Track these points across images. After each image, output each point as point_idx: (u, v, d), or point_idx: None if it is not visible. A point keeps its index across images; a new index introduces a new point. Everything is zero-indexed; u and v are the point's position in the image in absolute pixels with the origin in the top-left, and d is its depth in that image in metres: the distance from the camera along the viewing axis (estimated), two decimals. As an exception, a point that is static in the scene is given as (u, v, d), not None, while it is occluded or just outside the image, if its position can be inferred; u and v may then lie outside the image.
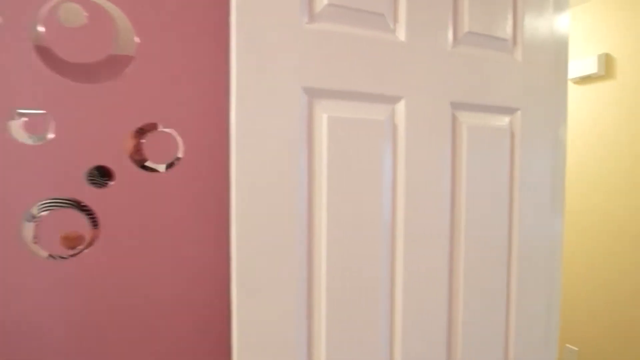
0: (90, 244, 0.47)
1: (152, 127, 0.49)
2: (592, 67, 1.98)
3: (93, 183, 0.47)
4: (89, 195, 0.47)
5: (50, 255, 0.45)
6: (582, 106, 2.07)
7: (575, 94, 2.11)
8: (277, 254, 0.53)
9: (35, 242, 0.45)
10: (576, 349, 2.07)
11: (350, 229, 0.58)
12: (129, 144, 0.49)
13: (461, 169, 0.67)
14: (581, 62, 2.03)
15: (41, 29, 0.44)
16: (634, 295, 1.82)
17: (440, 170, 0.64)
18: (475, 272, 0.70)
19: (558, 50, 0.80)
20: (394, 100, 0.61)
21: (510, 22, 0.72)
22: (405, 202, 0.62)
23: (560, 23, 0.79)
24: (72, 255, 0.47)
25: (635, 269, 1.81)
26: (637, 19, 1.83)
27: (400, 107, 0.61)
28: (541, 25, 0.76)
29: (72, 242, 0.47)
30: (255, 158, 0.51)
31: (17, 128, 0.43)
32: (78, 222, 0.47)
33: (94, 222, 0.47)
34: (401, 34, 0.61)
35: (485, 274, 0.71)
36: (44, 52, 0.44)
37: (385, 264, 0.61)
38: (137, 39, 0.48)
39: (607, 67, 1.96)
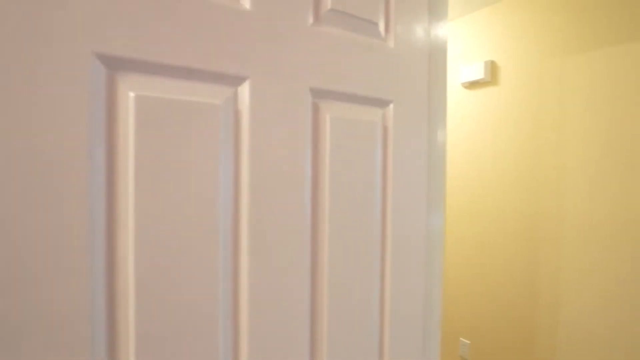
0: None
1: None
2: (479, 73, 2.12)
3: None
4: None
5: None
6: (472, 109, 2.20)
7: (466, 98, 2.23)
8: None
9: None
10: (468, 342, 2.19)
11: (171, 240, 0.45)
12: None
13: (324, 164, 0.58)
14: (470, 68, 2.16)
15: None
16: (519, 291, 1.97)
17: (298, 166, 0.54)
18: (343, 277, 0.61)
19: (435, 46, 0.76)
20: (236, 81, 0.49)
21: (382, 6, 0.65)
22: (250, 203, 0.50)
23: (438, 24, 0.75)
24: None
25: (519, 267, 1.97)
26: (517, 29, 1.99)
27: (245, 89, 0.50)
28: (415, 12, 0.70)
29: None
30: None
31: None
32: None
33: None
34: (245, 0, 0.50)
35: (355, 276, 0.63)
36: None
37: (223, 284, 0.49)
38: None
39: (492, 73, 2.11)
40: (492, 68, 2.10)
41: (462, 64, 2.24)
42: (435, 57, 0.77)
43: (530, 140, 1.92)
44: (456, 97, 2.29)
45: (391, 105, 0.67)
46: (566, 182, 1.79)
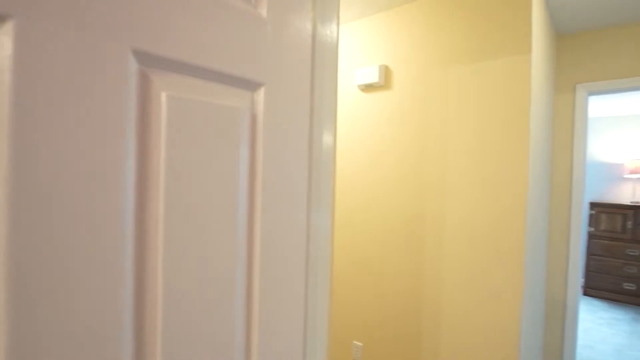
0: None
1: None
2: (374, 77, 2.13)
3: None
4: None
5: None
6: (368, 112, 2.21)
7: (362, 101, 2.24)
8: None
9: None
10: (361, 344, 2.20)
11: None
12: None
13: (159, 155, 0.41)
14: (366, 71, 2.17)
15: None
16: (408, 292, 2.03)
17: (109, 159, 0.37)
18: (187, 291, 0.45)
19: (322, 31, 0.65)
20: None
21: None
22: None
23: (324, 3, 0.64)
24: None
25: (408, 268, 2.02)
26: (409, 37, 2.05)
27: (4, 36, 0.31)
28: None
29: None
30: None
31: None
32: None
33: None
34: None
35: (211, 289, 0.47)
36: None
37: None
38: None
39: (386, 78, 2.14)
40: (386, 73, 2.14)
41: (359, 67, 2.25)
42: (322, 43, 0.66)
43: (418, 146, 1.99)
44: (353, 99, 2.28)
45: (262, 90, 0.53)
46: (448, 185, 1.88)
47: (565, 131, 2.47)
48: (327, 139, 0.71)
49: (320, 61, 0.66)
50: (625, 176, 4.74)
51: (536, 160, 1.88)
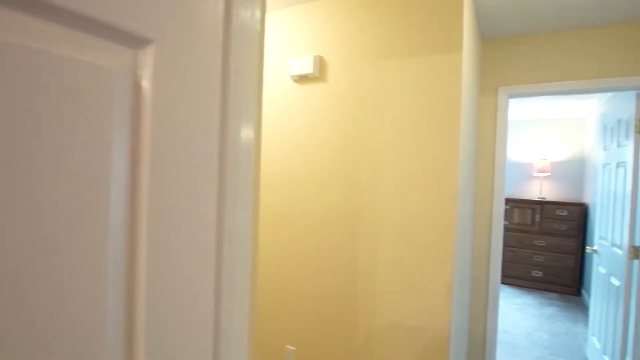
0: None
1: None
2: (308, 67, 2.03)
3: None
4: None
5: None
6: (302, 105, 2.11)
7: (296, 92, 2.13)
8: None
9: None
10: (294, 348, 2.10)
11: None
12: None
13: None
14: (300, 61, 2.06)
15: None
16: (335, 296, 1.97)
17: None
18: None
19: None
20: None
21: None
22: None
23: None
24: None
25: (341, 269, 1.96)
26: (343, 26, 1.98)
27: None
28: None
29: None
30: None
31: None
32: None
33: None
34: None
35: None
36: None
37: None
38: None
39: (321, 69, 2.05)
40: (321, 64, 2.05)
41: (292, 57, 2.13)
42: (240, 8, 0.53)
43: (352, 140, 1.93)
44: (287, 91, 2.16)
45: (151, 49, 0.40)
46: (382, 181, 1.85)
47: (488, 132, 2.59)
48: (246, 129, 0.59)
49: (238, 34, 0.53)
50: (534, 174, 5.24)
51: (465, 157, 1.92)
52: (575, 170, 5.06)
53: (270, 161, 2.21)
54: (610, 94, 3.79)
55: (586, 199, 4.74)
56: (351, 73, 1.95)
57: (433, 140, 1.73)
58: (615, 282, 2.43)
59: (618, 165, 2.51)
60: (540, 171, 5.07)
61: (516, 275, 4.98)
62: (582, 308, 4.20)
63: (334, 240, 1.99)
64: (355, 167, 1.93)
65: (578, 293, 4.61)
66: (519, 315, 3.95)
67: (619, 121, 2.53)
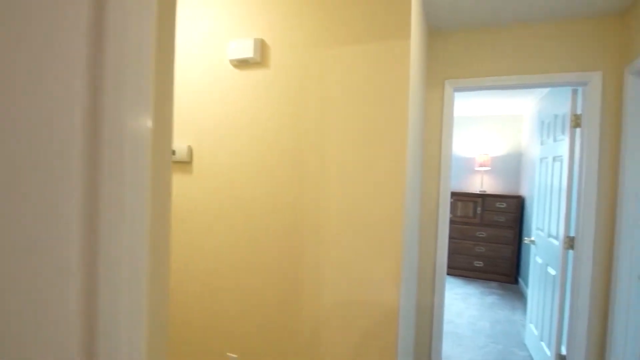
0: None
1: None
2: (248, 51, 1.85)
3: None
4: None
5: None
6: (242, 92, 1.93)
7: (235, 79, 1.94)
8: None
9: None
10: (235, 356, 1.93)
11: None
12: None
13: None
14: (240, 43, 1.87)
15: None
16: (280, 303, 1.83)
17: None
18: None
19: None
20: None
21: None
22: None
23: None
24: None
25: (284, 269, 1.83)
26: (287, 8, 1.83)
27: None
28: None
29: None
30: None
31: None
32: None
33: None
34: None
35: None
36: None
37: None
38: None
39: (262, 54, 1.88)
40: (263, 48, 1.88)
41: (232, 39, 1.94)
42: None
43: (297, 130, 1.79)
44: (225, 77, 1.96)
45: None
46: (328, 173, 1.73)
47: (435, 125, 2.57)
48: (134, 112, 0.42)
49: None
50: (476, 169, 5.45)
51: (413, 149, 1.86)
52: (513, 164, 5.33)
53: (207, 151, 2.00)
54: (546, 91, 3.99)
55: (522, 192, 5.00)
56: (295, 59, 1.80)
57: (382, 131, 1.64)
58: (552, 271, 2.52)
59: (554, 159, 2.60)
60: (481, 165, 5.27)
61: (459, 266, 5.15)
62: (519, 296, 4.42)
63: (280, 238, 1.85)
64: (300, 158, 1.79)
65: (515, 281, 4.87)
66: (462, 305, 4.07)
67: (556, 116, 2.62)
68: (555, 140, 2.62)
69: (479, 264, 5.03)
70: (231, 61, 1.92)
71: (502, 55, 2.37)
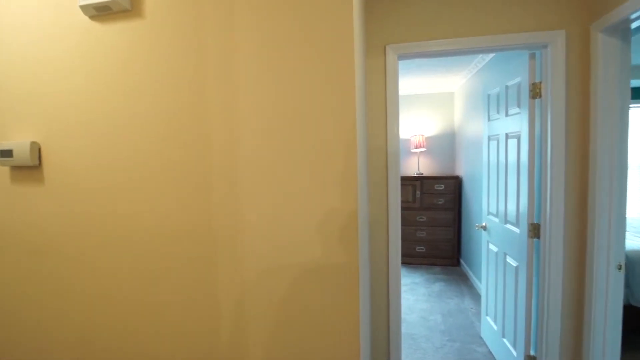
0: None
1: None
2: (107, -10, 1.20)
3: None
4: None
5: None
6: (105, 57, 1.27)
7: (94, 36, 1.27)
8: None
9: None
10: None
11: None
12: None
13: None
14: (91, -21, 1.21)
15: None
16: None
17: None
18: None
19: None
20: None
21: None
22: None
23: None
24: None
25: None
26: None
27: None
28: None
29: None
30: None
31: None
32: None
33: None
34: None
35: None
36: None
37: None
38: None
39: (132, -3, 1.24)
40: (132, -12, 1.23)
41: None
42: None
43: (192, 111, 1.20)
44: (77, 34, 1.28)
45: None
46: (244, 173, 1.18)
47: (378, 99, 2.12)
48: None
49: None
50: (412, 150, 5.23)
51: (361, 127, 1.37)
52: (448, 144, 5.19)
53: (64, 149, 1.32)
54: (483, 64, 3.78)
55: (459, 172, 4.87)
56: (185, 6, 1.19)
57: (320, 112, 1.11)
58: (513, 262, 2.25)
59: (508, 136, 2.31)
60: (417, 147, 5.05)
61: (402, 253, 4.92)
62: (464, 279, 4.29)
63: (181, 274, 1.25)
64: (200, 154, 1.20)
65: (458, 263, 4.76)
66: (410, 297, 3.80)
67: (507, 88, 2.32)
68: (507, 114, 2.33)
69: (421, 249, 4.84)
70: (83, 8, 1.24)
71: (449, 14, 1.97)
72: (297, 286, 1.17)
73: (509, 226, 2.32)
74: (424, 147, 5.05)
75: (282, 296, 1.19)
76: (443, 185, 4.71)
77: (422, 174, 5.06)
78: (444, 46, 1.96)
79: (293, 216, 1.15)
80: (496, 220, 2.53)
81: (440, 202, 4.75)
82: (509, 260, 2.31)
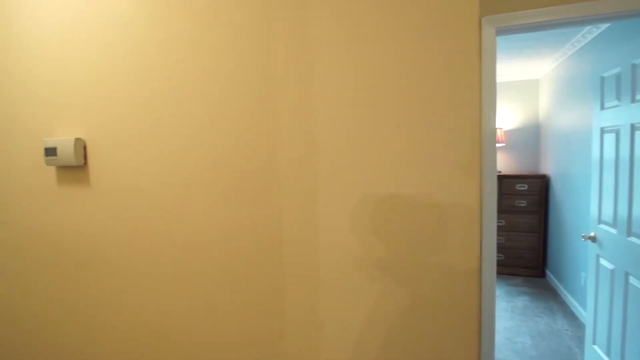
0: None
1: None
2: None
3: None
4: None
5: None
6: (162, 43, 1.10)
7: (144, 19, 1.11)
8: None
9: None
10: None
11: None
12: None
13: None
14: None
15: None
16: None
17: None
18: None
19: None
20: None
21: None
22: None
23: None
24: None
25: None
26: None
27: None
28: None
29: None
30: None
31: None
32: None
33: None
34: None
35: None
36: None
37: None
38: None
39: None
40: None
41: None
42: None
43: (261, 102, 0.99)
44: (122, 17, 1.13)
45: None
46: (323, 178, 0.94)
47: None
48: None
49: None
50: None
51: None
52: (531, 138, 4.59)
53: (114, 147, 1.18)
54: (582, 44, 3.21)
55: (546, 170, 4.27)
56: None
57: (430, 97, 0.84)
58: (638, 284, 1.79)
59: (635, 127, 1.84)
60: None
61: (476, 260, 4.44)
62: (553, 294, 3.74)
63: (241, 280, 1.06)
64: (270, 152, 0.99)
65: (543, 274, 4.18)
66: (489, 312, 3.35)
67: (634, 67, 1.85)
68: (634, 100, 1.86)
69: (499, 256, 4.33)
70: (135, -15, 1.08)
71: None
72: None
73: (634, 239, 1.85)
74: (502, 142, 4.51)
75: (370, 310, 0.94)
76: (526, 185, 4.16)
77: (500, 172, 4.53)
78: (556, 15, 1.57)
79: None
80: (613, 230, 2.06)
81: (522, 205, 4.20)
82: (634, 281, 1.85)
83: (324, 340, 0.99)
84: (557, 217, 3.87)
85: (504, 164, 4.72)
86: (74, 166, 1.22)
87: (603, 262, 2.17)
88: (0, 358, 1.43)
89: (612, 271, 2.06)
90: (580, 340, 2.72)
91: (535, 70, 4.33)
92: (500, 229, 4.31)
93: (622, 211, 1.96)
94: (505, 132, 4.68)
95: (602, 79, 2.18)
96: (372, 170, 0.92)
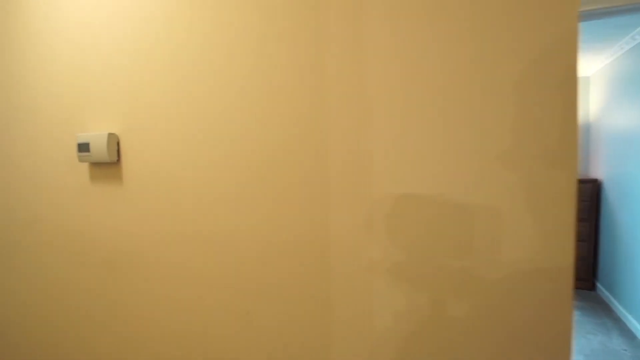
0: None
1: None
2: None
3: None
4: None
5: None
6: (213, 28, 1.04)
7: (182, 9, 1.06)
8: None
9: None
10: None
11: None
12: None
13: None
14: None
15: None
16: None
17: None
18: None
19: None
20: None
21: None
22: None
23: None
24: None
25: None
26: None
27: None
28: None
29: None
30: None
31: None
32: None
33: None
34: None
35: None
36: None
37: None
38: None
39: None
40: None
41: None
42: None
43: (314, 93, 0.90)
44: (157, 6, 1.08)
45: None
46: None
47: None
48: None
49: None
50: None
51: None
52: (580, 139, 4.28)
53: (148, 142, 1.13)
54: (633, 44, 2.94)
55: (597, 174, 3.96)
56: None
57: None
58: None
59: None
60: (539, 144, 4.25)
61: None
62: (606, 308, 3.44)
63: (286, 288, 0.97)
64: (318, 151, 0.90)
65: (593, 287, 3.87)
66: (535, 326, 3.12)
67: None
68: None
69: (543, 266, 4.04)
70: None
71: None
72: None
73: None
74: (548, 144, 4.23)
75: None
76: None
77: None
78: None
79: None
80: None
81: (570, 211, 3.90)
82: None
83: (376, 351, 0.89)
84: (610, 225, 3.57)
85: (549, 167, 4.43)
86: (107, 162, 1.18)
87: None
88: (34, 357, 1.43)
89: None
90: (642, 363, 2.47)
91: (586, 67, 4.04)
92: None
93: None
94: (551, 133, 4.39)
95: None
96: (444, 173, 0.82)
